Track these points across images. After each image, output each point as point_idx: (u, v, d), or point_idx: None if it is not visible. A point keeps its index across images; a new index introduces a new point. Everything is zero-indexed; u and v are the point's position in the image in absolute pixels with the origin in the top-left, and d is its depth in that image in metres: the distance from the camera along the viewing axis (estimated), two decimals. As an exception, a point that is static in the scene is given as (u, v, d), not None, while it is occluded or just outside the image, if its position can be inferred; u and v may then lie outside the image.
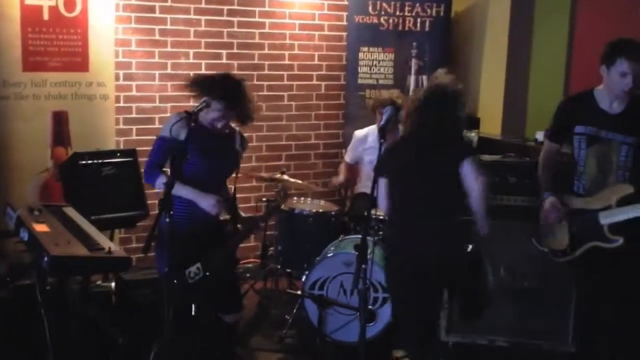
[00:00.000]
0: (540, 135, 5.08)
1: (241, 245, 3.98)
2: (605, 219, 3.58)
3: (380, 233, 4.74)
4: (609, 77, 3.58)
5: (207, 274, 3.64)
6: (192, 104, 3.73)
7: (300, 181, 5.32)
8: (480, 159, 3.68)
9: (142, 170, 4.95)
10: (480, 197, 3.51)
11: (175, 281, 3.51)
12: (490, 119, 6.00)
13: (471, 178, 3.49)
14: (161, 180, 3.63)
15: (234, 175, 3.94)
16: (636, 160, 3.61)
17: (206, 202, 3.65)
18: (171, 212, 3.20)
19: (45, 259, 3.20)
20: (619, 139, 3.61)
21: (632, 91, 3.56)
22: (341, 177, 5.51)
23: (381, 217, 4.76)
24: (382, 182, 3.68)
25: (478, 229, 3.59)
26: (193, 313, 3.63)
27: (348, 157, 5.46)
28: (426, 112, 3.61)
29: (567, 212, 3.72)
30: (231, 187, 3.95)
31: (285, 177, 5.17)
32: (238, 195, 3.99)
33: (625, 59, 3.50)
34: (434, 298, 3.76)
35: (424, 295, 3.64)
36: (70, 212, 4.04)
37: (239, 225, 3.91)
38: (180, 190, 3.59)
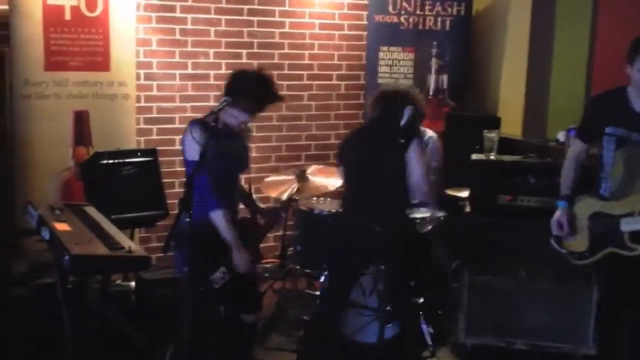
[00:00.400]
0: (561, 136, 5.03)
1: (261, 245, 3.97)
2: (627, 226, 3.46)
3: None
4: (632, 75, 3.47)
5: (232, 275, 3.64)
6: (212, 103, 3.73)
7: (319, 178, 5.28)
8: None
9: (161, 170, 5.02)
10: (421, 177, 3.72)
11: (201, 289, 3.52)
12: (511, 119, 5.95)
13: (413, 160, 3.71)
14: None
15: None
16: None
17: (241, 258, 3.62)
18: (191, 212, 3.20)
19: (66, 257, 3.23)
20: None
21: None
22: None
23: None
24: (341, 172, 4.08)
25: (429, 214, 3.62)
26: (222, 315, 3.63)
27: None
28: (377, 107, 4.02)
29: (573, 230, 3.66)
30: (246, 185, 3.96)
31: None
32: (257, 195, 4.00)
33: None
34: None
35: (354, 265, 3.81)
36: (91, 211, 4.06)
37: (259, 219, 3.91)
38: (224, 229, 3.59)
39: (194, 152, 3.46)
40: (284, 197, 4.98)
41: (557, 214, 3.71)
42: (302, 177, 5.07)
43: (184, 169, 5.50)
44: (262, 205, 4.02)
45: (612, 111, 3.58)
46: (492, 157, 4.80)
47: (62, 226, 3.60)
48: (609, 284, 3.73)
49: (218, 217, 3.57)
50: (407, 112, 3.59)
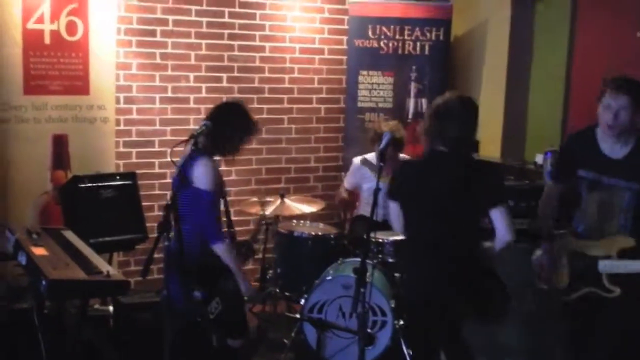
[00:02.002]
0: (539, 158, 5.08)
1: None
2: (604, 268, 3.48)
3: (380, 257, 4.75)
4: (599, 112, 3.52)
5: (224, 304, 3.65)
6: (192, 127, 3.73)
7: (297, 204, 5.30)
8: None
9: (140, 193, 5.01)
10: (501, 247, 3.47)
11: (199, 319, 3.52)
12: (490, 142, 6.01)
13: (501, 226, 3.43)
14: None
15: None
16: (638, 206, 3.49)
17: (245, 285, 3.70)
18: (170, 235, 3.19)
19: (43, 282, 3.20)
20: (622, 185, 3.51)
21: (634, 131, 3.48)
22: (339, 197, 5.57)
23: (380, 241, 4.78)
24: (394, 206, 3.67)
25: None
26: (215, 344, 3.62)
27: (347, 183, 5.50)
28: (447, 123, 3.46)
29: (554, 267, 3.68)
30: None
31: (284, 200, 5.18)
32: (236, 218, 4.00)
33: (608, 91, 3.47)
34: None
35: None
36: (69, 235, 4.04)
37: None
38: (230, 260, 3.63)
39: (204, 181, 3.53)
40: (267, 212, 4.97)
41: (538, 254, 3.75)
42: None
43: (163, 192, 5.55)
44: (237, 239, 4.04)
45: (583, 154, 3.64)
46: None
47: (39, 250, 3.57)
48: (578, 322, 3.71)
49: (222, 249, 3.59)
50: (386, 137, 3.59)
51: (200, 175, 3.54)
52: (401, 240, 3.74)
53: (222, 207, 3.88)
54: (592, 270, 3.51)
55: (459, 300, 3.51)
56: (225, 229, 3.93)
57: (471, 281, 3.52)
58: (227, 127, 3.65)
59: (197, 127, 3.56)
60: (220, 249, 3.58)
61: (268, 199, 5.18)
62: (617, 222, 3.56)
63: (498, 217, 3.42)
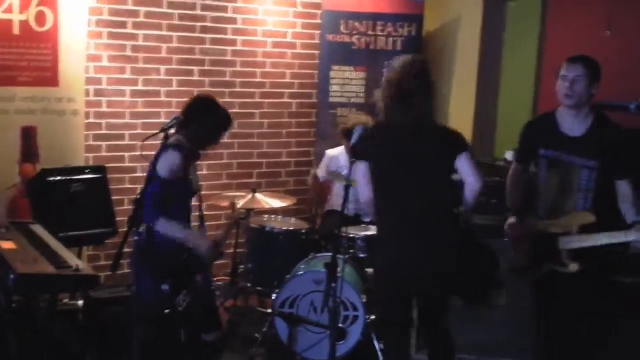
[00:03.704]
0: (509, 155, 5.14)
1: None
2: (565, 245, 3.57)
3: (351, 252, 4.77)
4: (557, 86, 3.61)
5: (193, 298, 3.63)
6: (163, 120, 3.72)
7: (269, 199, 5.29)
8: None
9: (110, 187, 4.97)
10: (474, 197, 3.56)
11: (167, 311, 3.49)
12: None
13: (469, 173, 3.52)
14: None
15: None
16: (598, 184, 3.57)
17: (204, 247, 3.63)
18: (140, 230, 3.18)
19: (12, 277, 3.17)
20: (579, 162, 3.58)
21: (592, 108, 3.58)
22: (311, 190, 5.59)
23: (352, 236, 4.79)
24: (361, 168, 3.60)
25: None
26: (182, 339, 3.60)
27: (320, 174, 5.51)
28: (410, 95, 3.52)
29: (523, 235, 3.75)
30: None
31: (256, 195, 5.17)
32: (208, 213, 3.98)
33: (564, 64, 3.57)
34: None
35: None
36: (38, 229, 4.00)
37: None
38: (174, 231, 3.56)
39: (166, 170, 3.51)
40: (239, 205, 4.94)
41: (508, 222, 3.84)
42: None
43: (134, 186, 5.51)
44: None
45: (543, 134, 3.72)
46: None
47: (7, 245, 3.54)
48: (544, 298, 3.79)
49: (162, 225, 3.52)
50: (358, 131, 3.59)
51: (162, 164, 3.52)
52: (374, 211, 3.69)
53: (194, 203, 3.88)
54: (551, 247, 3.60)
55: (442, 280, 3.57)
56: (197, 225, 3.93)
57: (454, 253, 3.58)
58: (201, 121, 3.64)
59: (167, 120, 3.54)
60: (160, 224, 3.50)
61: (240, 193, 5.16)
62: (576, 201, 3.62)
63: (465, 165, 3.52)
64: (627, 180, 3.56)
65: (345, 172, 5.06)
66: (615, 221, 3.54)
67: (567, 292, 3.64)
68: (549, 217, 3.70)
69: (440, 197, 3.59)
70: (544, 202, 3.74)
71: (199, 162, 3.95)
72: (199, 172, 4.05)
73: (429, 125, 3.59)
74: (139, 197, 3.39)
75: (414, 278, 3.55)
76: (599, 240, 3.47)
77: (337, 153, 5.41)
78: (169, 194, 3.55)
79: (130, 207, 5.02)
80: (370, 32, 6.18)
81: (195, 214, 3.90)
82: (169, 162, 3.53)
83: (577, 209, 3.61)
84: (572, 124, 3.62)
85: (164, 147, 3.52)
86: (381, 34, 6.20)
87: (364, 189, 3.66)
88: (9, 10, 4.86)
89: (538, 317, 3.86)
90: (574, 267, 3.55)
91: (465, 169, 3.53)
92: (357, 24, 6.16)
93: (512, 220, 3.83)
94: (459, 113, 6.21)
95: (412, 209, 3.54)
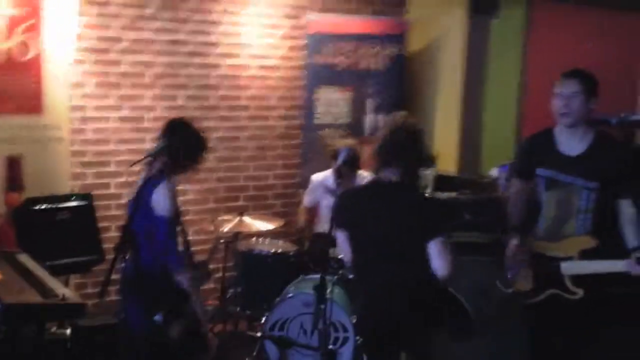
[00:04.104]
0: (494, 172, 5.16)
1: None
2: (568, 270, 3.48)
3: (340, 272, 4.75)
4: (553, 104, 3.53)
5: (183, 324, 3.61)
6: (147, 146, 3.71)
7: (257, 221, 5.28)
8: (450, 228, 3.57)
9: (96, 214, 4.94)
10: (445, 276, 3.38)
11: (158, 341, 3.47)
12: (447, 156, 6.08)
13: (436, 257, 3.32)
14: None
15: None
16: (598, 204, 3.48)
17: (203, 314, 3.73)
18: (126, 257, 3.16)
19: (-2, 307, 3.14)
20: (579, 183, 3.49)
21: (596, 129, 3.51)
22: (301, 221, 5.57)
23: (340, 257, 4.77)
24: (341, 236, 3.54)
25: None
26: None
27: (306, 201, 5.52)
28: (393, 150, 3.39)
29: (526, 258, 3.64)
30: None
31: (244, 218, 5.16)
32: (194, 238, 3.97)
33: (559, 80, 3.50)
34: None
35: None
36: (24, 258, 3.96)
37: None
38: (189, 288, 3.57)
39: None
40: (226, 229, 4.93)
41: (510, 245, 3.69)
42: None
43: (120, 212, 5.48)
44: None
45: (541, 152, 3.63)
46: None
47: (-7, 275, 3.50)
48: (546, 321, 3.69)
49: (185, 279, 3.55)
50: (342, 154, 3.59)
51: (160, 201, 3.51)
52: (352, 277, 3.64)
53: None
54: (554, 271, 3.50)
55: (419, 331, 3.48)
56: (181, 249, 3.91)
57: (428, 309, 3.48)
58: (180, 144, 3.62)
59: (153, 145, 3.53)
60: (183, 278, 3.54)
61: (226, 217, 5.15)
62: (575, 222, 3.54)
63: (435, 252, 3.32)
64: (629, 200, 3.48)
65: (328, 199, 5.08)
66: (615, 244, 3.47)
67: (570, 317, 3.55)
68: (548, 238, 3.61)
69: (414, 263, 3.43)
70: (544, 221, 3.66)
71: (185, 187, 3.94)
72: (185, 197, 4.04)
73: (411, 194, 3.47)
74: (125, 223, 3.38)
75: (386, 332, 3.47)
76: (599, 268, 3.41)
77: (322, 177, 5.41)
78: (174, 229, 3.55)
79: (117, 234, 4.99)
80: (354, 53, 6.21)
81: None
82: (165, 199, 3.51)
83: (577, 230, 3.53)
84: (571, 143, 3.53)
85: (151, 181, 3.51)
86: (366, 53, 6.22)
87: (346, 255, 3.64)
88: (-8, 39, 4.86)
89: (537, 340, 3.75)
90: (579, 293, 3.47)
91: (434, 254, 3.33)
92: (342, 44, 6.18)
93: (514, 242, 3.68)
94: (445, 131, 6.25)
95: (385, 273, 3.43)
